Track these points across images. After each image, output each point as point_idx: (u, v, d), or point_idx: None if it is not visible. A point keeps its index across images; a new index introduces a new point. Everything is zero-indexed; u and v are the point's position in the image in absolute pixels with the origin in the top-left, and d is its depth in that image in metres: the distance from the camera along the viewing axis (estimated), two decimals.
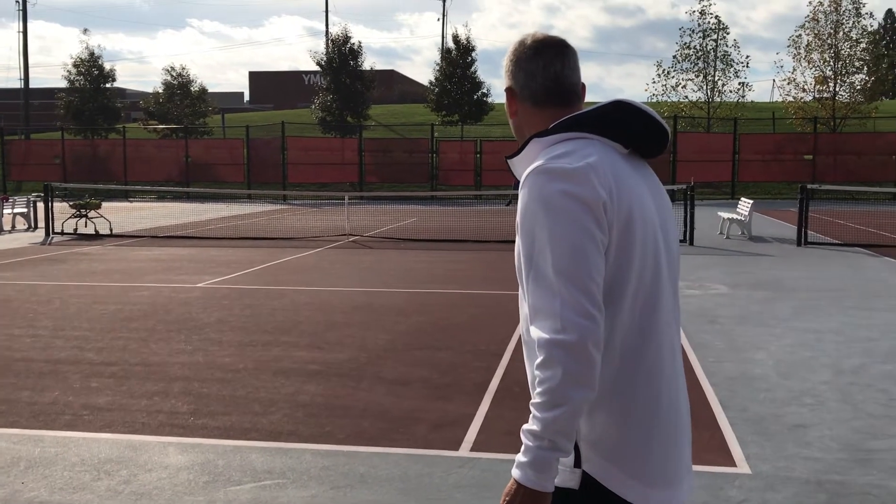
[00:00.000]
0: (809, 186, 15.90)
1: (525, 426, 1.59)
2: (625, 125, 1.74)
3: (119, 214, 23.93)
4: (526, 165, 1.76)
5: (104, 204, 20.42)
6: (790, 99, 36.10)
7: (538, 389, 1.57)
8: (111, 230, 18.09)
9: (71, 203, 18.51)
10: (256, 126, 37.99)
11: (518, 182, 1.76)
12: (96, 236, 17.24)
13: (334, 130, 40.43)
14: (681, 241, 15.41)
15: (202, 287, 10.44)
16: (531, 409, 1.58)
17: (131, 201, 33.11)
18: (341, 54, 41.51)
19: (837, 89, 35.41)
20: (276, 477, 4.24)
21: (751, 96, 39.09)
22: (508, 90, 1.89)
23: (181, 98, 44.04)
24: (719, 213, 18.24)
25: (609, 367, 1.67)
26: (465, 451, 4.62)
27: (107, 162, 37.05)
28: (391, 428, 4.99)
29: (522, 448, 1.59)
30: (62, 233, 17.55)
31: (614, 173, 1.68)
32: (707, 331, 7.71)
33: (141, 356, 6.80)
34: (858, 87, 35.19)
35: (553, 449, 1.55)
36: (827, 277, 11.16)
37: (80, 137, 41.08)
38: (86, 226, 18.39)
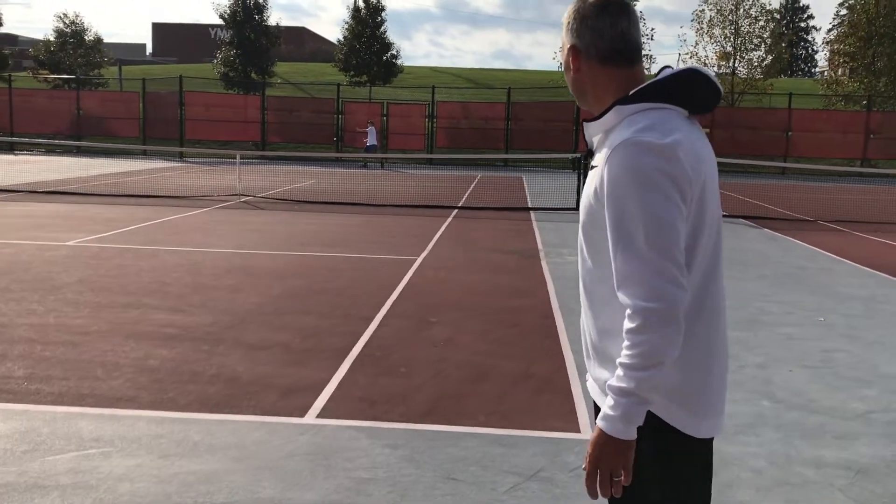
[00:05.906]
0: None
1: (613, 383, 1.73)
2: (698, 95, 1.85)
3: None
4: (604, 130, 1.86)
5: None
6: None
7: (630, 351, 1.71)
8: None
9: None
10: (155, 79, 36.45)
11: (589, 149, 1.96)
12: None
13: (237, 87, 39.28)
14: (573, 207, 15.61)
15: (71, 245, 9.93)
16: (620, 368, 1.72)
17: (17, 154, 31.40)
18: (245, 7, 40.24)
19: (736, 65, 36.45)
20: (104, 445, 4.02)
21: (654, 70, 39.82)
22: (573, 48, 1.93)
23: (74, 47, 41.91)
24: None
25: None
26: (310, 417, 4.49)
27: None
28: (239, 394, 4.82)
29: (611, 403, 1.73)
30: None
31: (694, 148, 1.79)
32: (576, 296, 7.77)
33: None
34: (756, 64, 36.28)
35: (642, 403, 1.72)
36: None
37: None
38: None
